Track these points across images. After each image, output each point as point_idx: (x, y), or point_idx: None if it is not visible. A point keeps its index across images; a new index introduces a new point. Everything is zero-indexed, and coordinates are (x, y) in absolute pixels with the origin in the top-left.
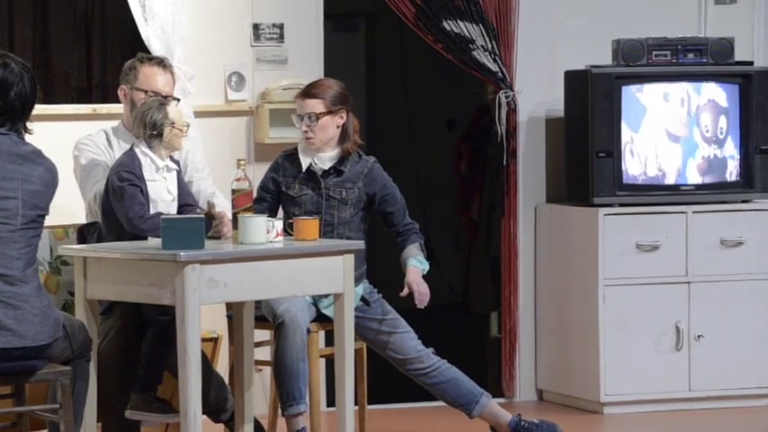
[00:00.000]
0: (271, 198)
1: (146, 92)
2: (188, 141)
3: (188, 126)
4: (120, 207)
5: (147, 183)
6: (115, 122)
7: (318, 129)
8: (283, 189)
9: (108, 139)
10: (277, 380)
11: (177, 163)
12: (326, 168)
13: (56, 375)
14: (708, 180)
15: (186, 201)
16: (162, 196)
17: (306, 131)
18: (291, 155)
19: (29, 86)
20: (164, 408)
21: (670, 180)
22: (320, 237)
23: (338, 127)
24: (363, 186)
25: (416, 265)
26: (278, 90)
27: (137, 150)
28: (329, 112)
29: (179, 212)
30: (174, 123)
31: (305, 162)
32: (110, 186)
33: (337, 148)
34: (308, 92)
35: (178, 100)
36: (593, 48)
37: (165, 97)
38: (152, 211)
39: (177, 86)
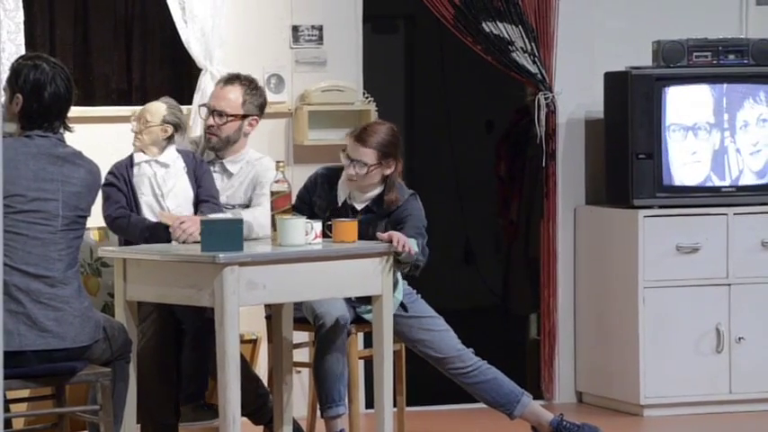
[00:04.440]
0: (307, 209)
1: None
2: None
3: (162, 125)
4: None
5: (135, 177)
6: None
7: (365, 176)
8: (315, 210)
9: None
10: (317, 381)
11: (195, 158)
12: (360, 208)
13: (96, 377)
14: (748, 182)
15: (203, 197)
16: (142, 190)
17: (351, 174)
18: (330, 179)
19: (62, 86)
20: (214, 413)
21: (710, 182)
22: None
23: (384, 176)
24: (391, 220)
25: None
26: (317, 92)
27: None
28: (379, 164)
29: (196, 208)
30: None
31: (341, 196)
32: None
33: (377, 188)
34: (362, 137)
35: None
36: (632, 49)
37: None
38: (144, 207)
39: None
